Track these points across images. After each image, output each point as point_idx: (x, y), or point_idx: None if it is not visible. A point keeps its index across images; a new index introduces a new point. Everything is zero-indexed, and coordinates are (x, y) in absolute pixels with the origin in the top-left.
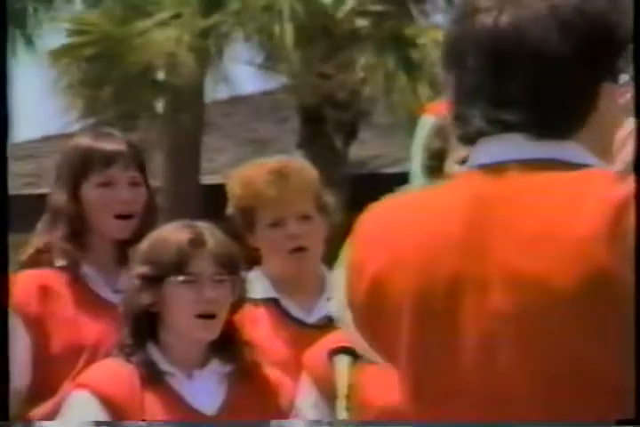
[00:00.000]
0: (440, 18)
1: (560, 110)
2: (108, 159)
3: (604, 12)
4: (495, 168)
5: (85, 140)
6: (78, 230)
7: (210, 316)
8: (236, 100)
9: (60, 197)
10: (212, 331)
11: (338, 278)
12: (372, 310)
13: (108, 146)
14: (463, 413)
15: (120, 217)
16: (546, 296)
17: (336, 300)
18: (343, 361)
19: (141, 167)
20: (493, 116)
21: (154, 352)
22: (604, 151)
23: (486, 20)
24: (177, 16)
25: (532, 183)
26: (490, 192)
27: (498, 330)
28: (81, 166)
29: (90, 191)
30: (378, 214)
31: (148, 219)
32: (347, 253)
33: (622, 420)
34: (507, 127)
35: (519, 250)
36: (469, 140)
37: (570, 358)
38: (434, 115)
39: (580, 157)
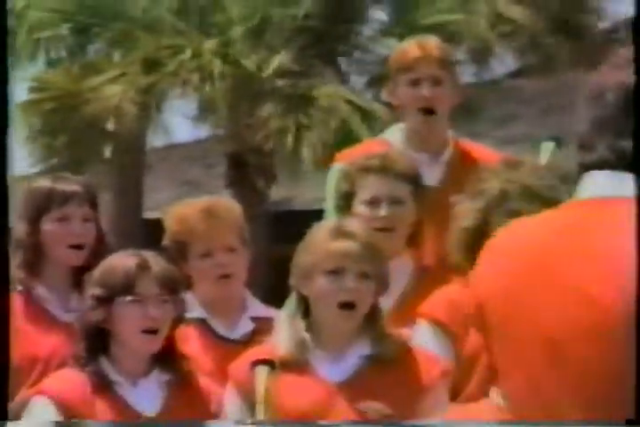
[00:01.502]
0: (353, 79)
1: None
2: (65, 198)
3: None
4: (597, 201)
5: (46, 182)
6: (33, 260)
7: (153, 331)
8: (172, 147)
9: (20, 230)
10: (155, 345)
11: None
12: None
13: (66, 187)
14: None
15: (73, 247)
16: (608, 315)
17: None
18: (262, 371)
19: (93, 205)
20: (618, 148)
21: (104, 363)
22: None
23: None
24: (123, 74)
25: (619, 218)
26: (585, 222)
27: (566, 343)
28: (42, 204)
29: (48, 225)
30: (502, 234)
31: (98, 249)
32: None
33: (632, 419)
34: (622, 162)
35: (592, 275)
36: (591, 167)
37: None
38: (342, 163)
39: None
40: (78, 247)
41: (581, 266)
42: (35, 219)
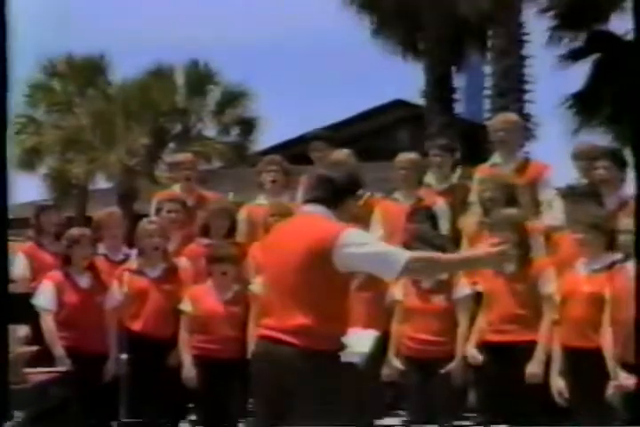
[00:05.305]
0: None
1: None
2: (49, 207)
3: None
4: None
5: (46, 203)
6: (40, 230)
7: (87, 258)
8: (99, 191)
9: (33, 221)
10: (87, 262)
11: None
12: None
13: (47, 204)
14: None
15: (57, 225)
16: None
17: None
18: (127, 274)
19: (61, 210)
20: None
21: (69, 268)
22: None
23: None
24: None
25: (305, 219)
26: (297, 220)
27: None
28: (40, 211)
29: (45, 217)
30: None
31: (65, 227)
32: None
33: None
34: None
35: (297, 241)
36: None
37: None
38: (157, 197)
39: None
40: (59, 226)
41: (296, 243)
42: (38, 215)
